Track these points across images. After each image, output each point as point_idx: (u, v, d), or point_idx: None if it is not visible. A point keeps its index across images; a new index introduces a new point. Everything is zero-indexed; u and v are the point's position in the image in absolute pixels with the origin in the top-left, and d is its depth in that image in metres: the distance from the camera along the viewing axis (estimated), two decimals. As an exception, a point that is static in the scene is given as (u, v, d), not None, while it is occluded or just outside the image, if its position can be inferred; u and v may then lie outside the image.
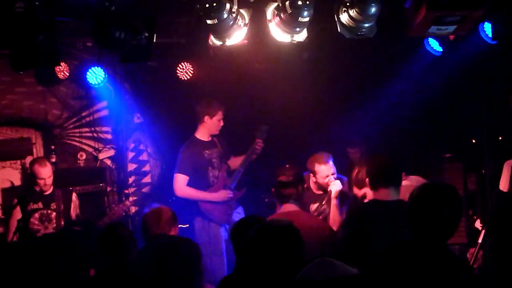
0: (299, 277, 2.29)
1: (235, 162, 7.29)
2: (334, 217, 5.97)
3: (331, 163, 6.16)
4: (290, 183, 5.21)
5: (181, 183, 6.97)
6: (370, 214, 4.64)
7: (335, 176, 6.13)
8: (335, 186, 6.02)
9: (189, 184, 6.97)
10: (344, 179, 6.40)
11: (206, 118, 7.05)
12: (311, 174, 6.22)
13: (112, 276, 4.29)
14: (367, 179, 4.85)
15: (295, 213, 5.00)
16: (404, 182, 5.37)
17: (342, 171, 6.58)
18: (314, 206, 6.40)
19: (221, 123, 7.10)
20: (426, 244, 3.32)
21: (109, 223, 6.38)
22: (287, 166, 5.70)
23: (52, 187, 6.75)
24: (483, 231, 5.78)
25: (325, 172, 6.12)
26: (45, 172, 6.69)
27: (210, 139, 7.17)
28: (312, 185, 6.29)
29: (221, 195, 7.03)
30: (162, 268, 5.07)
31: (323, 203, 6.24)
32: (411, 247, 3.36)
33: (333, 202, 6.02)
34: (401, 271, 3.28)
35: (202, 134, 7.13)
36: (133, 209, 7.78)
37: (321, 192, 6.28)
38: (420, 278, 3.23)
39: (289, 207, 5.20)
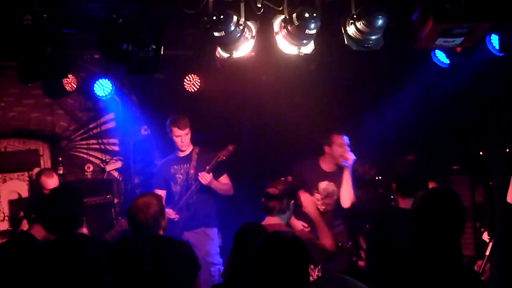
0: None
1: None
2: (346, 191, 6.35)
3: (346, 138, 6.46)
4: (275, 196, 5.10)
5: None
6: (395, 224, 4.59)
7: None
8: (352, 157, 6.36)
9: (165, 197, 6.84)
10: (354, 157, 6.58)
11: (170, 133, 6.96)
12: (325, 147, 6.52)
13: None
14: (394, 185, 4.80)
15: (275, 226, 4.86)
16: None
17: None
18: (322, 184, 6.56)
19: (180, 140, 6.87)
20: (432, 254, 3.30)
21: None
22: (282, 179, 5.54)
23: None
24: (491, 243, 5.75)
25: (341, 141, 6.42)
26: (52, 183, 6.69)
27: (184, 154, 6.97)
28: (322, 163, 6.55)
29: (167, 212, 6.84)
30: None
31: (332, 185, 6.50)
32: (418, 257, 3.35)
33: (347, 174, 6.37)
34: (410, 282, 3.27)
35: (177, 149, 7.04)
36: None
37: (332, 170, 6.54)
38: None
39: (272, 219, 5.08)
